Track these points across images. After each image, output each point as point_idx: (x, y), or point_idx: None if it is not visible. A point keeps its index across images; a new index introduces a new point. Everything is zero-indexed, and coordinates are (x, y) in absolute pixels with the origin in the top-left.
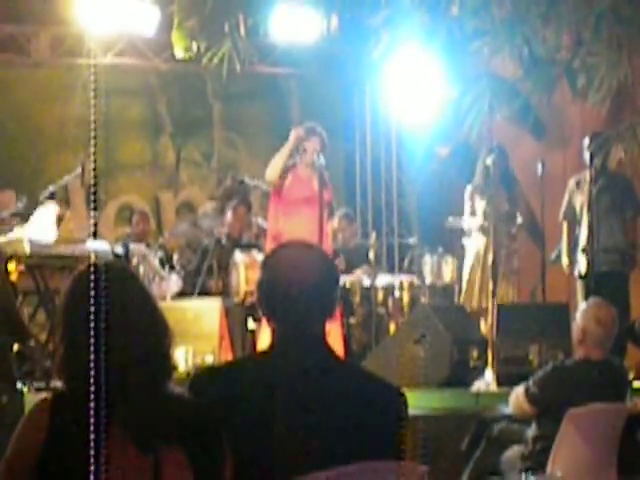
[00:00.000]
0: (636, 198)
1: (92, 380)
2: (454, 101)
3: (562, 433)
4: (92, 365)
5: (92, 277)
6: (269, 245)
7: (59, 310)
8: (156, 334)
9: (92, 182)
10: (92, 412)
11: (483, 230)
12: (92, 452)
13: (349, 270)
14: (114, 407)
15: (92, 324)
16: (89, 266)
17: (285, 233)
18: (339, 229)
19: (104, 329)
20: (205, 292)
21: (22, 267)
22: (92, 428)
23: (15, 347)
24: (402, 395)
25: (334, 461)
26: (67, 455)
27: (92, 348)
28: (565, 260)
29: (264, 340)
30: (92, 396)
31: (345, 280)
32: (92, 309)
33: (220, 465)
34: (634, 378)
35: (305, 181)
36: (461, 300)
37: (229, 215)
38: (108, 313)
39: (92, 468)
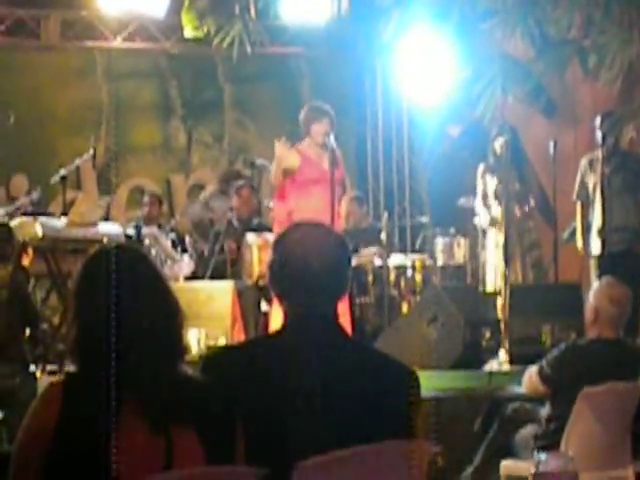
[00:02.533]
0: None
1: (104, 362)
2: (466, 81)
3: (576, 412)
4: (104, 347)
5: (104, 259)
6: (279, 226)
7: (71, 292)
8: (168, 315)
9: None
10: (104, 393)
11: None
12: (105, 433)
13: (360, 251)
14: (126, 388)
15: (104, 305)
16: (101, 248)
17: (295, 213)
18: (350, 212)
19: (116, 310)
20: (217, 274)
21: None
22: (104, 409)
23: (27, 331)
24: (414, 375)
25: (347, 441)
26: (79, 436)
27: (104, 330)
28: (579, 240)
29: (276, 321)
30: (104, 377)
31: (357, 261)
32: (104, 290)
33: (232, 445)
34: None
35: (315, 162)
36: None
37: (234, 198)
38: (120, 294)
39: (104, 449)
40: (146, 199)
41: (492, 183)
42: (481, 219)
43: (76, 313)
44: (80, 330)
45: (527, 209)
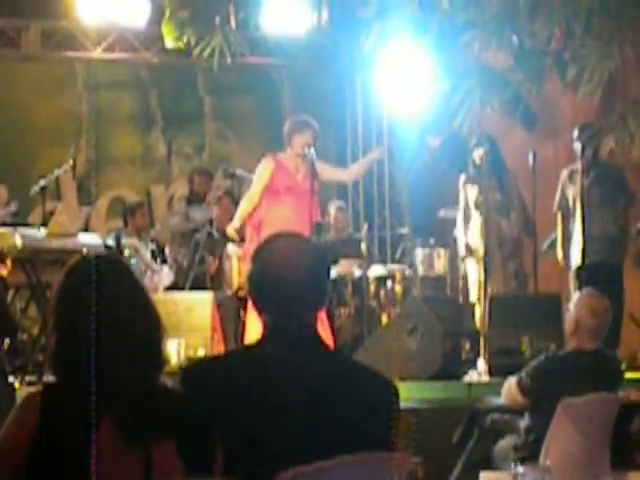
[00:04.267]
0: (628, 188)
1: (84, 372)
2: (445, 93)
3: (555, 423)
4: (84, 357)
5: (84, 269)
6: (251, 234)
7: (51, 302)
8: (148, 326)
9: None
10: (83, 404)
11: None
12: (83, 444)
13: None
14: (105, 400)
15: (84, 316)
16: (82, 258)
17: (266, 221)
18: (334, 221)
19: (96, 321)
20: (197, 285)
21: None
22: (83, 420)
23: (6, 341)
24: (393, 386)
25: (326, 452)
26: (57, 447)
27: (83, 340)
28: (559, 252)
29: (252, 332)
30: (83, 389)
31: (337, 272)
32: (84, 301)
33: (210, 457)
34: (627, 368)
35: (291, 171)
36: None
37: (215, 208)
38: (100, 305)
39: (83, 460)
40: (135, 210)
41: (472, 193)
42: (459, 242)
43: (55, 323)
44: (59, 340)
45: (507, 220)
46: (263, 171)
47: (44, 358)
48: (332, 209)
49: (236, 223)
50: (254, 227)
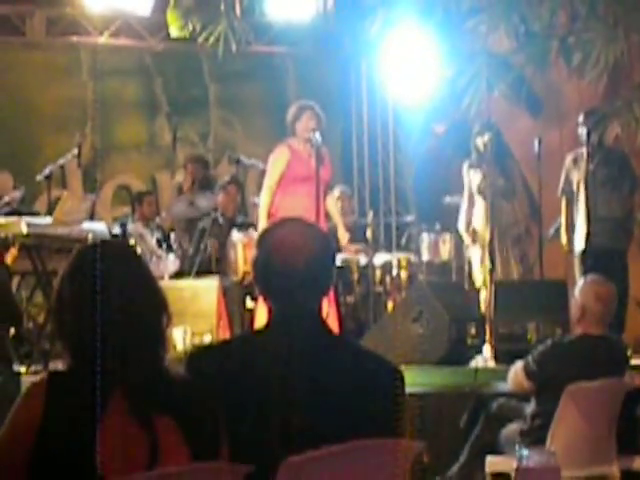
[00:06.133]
0: (633, 173)
1: (90, 357)
2: (451, 78)
3: (561, 409)
4: (91, 342)
5: (94, 254)
6: (264, 223)
7: (58, 287)
8: (153, 310)
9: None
10: (90, 390)
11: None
12: (90, 430)
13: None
14: (112, 384)
15: (92, 301)
16: (91, 244)
17: (281, 210)
18: (341, 206)
19: (102, 305)
20: (202, 272)
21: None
22: (91, 406)
23: (12, 330)
24: (399, 372)
25: (331, 438)
26: (64, 433)
27: (91, 325)
28: (563, 237)
29: (261, 319)
30: (90, 373)
31: (343, 258)
32: (93, 286)
33: (216, 442)
34: (632, 353)
35: (305, 159)
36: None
37: (221, 195)
38: (107, 289)
39: (90, 446)
40: (143, 198)
41: (476, 179)
42: (461, 228)
43: (64, 307)
44: (68, 324)
45: (511, 206)
46: (279, 159)
47: (50, 346)
48: (337, 194)
49: (264, 224)
50: (269, 216)
